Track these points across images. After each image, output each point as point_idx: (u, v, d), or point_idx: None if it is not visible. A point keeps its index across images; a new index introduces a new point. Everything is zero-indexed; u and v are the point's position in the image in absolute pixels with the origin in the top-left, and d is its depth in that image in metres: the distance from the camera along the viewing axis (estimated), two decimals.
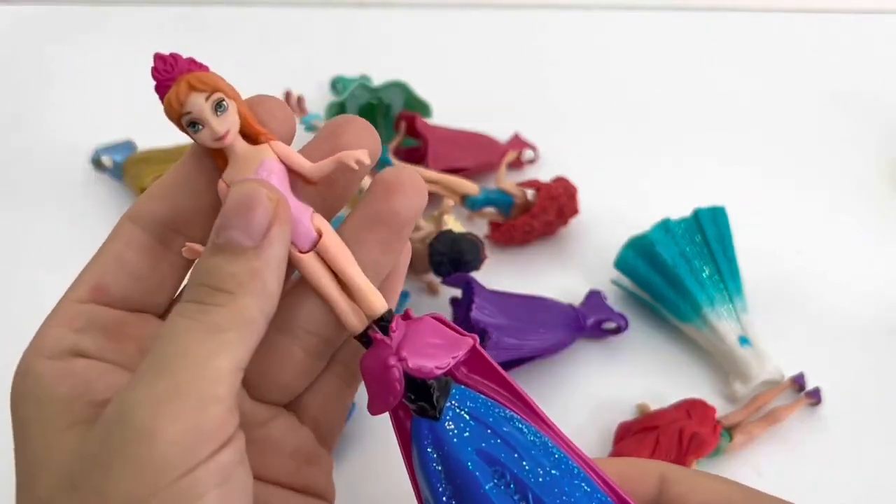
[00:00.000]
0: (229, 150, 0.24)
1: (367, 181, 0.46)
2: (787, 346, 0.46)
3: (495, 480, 0.23)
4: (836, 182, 0.57)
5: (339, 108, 0.57)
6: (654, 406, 0.43)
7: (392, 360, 0.24)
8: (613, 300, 0.49)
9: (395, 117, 0.57)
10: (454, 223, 0.48)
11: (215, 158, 0.25)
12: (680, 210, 0.49)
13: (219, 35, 0.70)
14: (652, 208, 0.50)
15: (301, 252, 0.25)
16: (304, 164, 0.25)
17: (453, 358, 0.24)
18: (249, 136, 0.25)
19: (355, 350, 0.28)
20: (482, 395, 0.25)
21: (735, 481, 0.26)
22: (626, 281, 0.49)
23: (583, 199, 0.52)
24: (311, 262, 0.25)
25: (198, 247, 0.25)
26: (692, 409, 0.42)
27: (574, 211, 0.51)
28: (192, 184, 0.25)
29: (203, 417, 0.21)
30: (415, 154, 0.55)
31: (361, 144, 0.25)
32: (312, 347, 0.27)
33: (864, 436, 0.43)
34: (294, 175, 0.25)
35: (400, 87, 0.59)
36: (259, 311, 0.22)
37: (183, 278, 0.27)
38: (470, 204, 0.51)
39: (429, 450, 0.24)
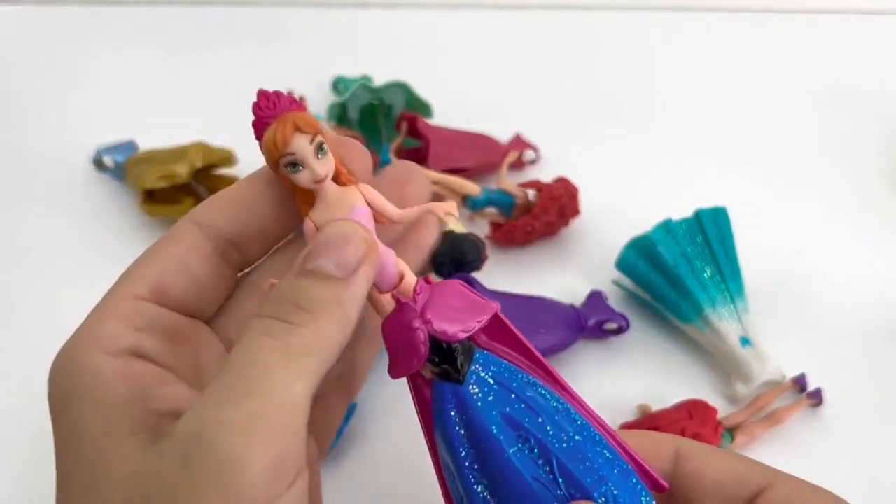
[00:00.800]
0: (319, 191, 0.25)
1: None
2: (788, 346, 0.46)
3: (519, 445, 0.23)
4: (836, 182, 0.57)
5: (340, 109, 0.57)
6: (655, 407, 0.43)
7: (417, 323, 0.23)
8: (614, 300, 0.49)
9: (397, 118, 0.57)
10: (455, 224, 0.48)
11: (295, 192, 0.25)
12: (681, 210, 0.49)
13: (219, 35, 0.70)
14: (653, 209, 0.50)
15: (380, 292, 0.25)
16: (390, 210, 0.26)
17: (478, 322, 0.24)
18: (334, 176, 0.25)
19: (358, 368, 0.28)
20: (504, 361, 0.24)
21: (751, 458, 0.26)
22: (627, 281, 0.49)
23: (584, 200, 0.52)
24: (387, 301, 0.25)
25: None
26: (693, 409, 0.42)
27: (575, 211, 0.51)
28: (262, 206, 0.25)
29: (286, 446, 0.21)
30: (416, 154, 0.55)
31: (423, 196, 0.26)
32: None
33: (865, 436, 0.43)
34: (377, 217, 0.26)
35: (401, 88, 0.59)
36: (337, 340, 0.23)
37: (229, 291, 0.27)
38: (471, 204, 0.51)
39: (452, 413, 0.23)
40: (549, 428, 0.23)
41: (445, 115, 0.59)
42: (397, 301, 0.24)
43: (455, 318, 0.24)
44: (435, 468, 0.25)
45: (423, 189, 0.27)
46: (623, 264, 0.48)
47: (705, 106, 0.63)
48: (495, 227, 0.52)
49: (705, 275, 0.46)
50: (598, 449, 0.23)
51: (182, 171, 0.52)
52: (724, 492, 0.24)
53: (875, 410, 0.44)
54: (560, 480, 0.22)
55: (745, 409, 0.43)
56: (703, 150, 0.59)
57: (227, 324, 0.27)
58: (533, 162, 0.58)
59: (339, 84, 0.64)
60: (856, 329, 0.48)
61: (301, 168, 0.24)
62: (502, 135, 0.58)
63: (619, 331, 0.47)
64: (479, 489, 0.23)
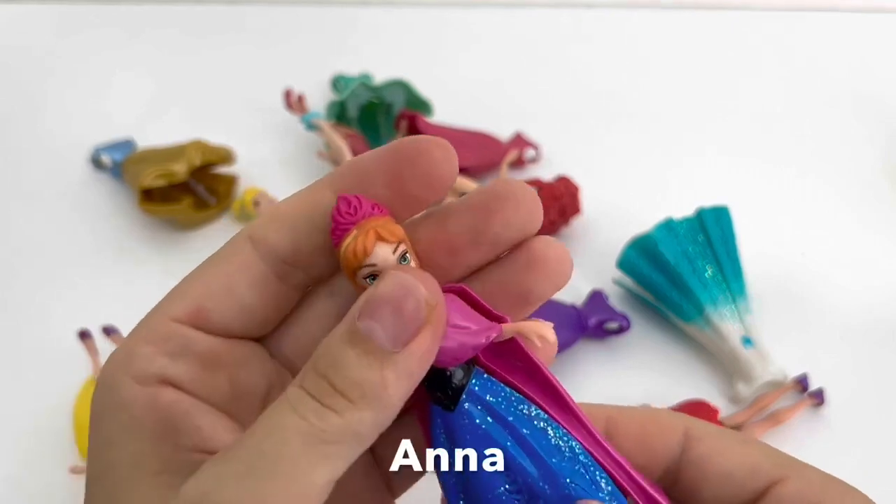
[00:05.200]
0: None
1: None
2: (790, 347, 0.46)
3: (507, 486, 0.21)
4: (840, 183, 0.57)
5: (339, 107, 0.57)
6: (656, 407, 0.43)
7: None
8: (616, 300, 0.48)
9: (396, 116, 0.57)
10: None
11: None
12: (683, 209, 0.48)
13: (220, 34, 0.70)
14: (655, 207, 0.50)
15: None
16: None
17: (474, 348, 0.22)
18: None
19: None
20: (506, 387, 0.23)
21: (765, 444, 0.24)
22: (628, 281, 0.49)
23: (585, 199, 0.52)
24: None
25: None
26: (695, 410, 0.41)
27: (576, 210, 0.51)
28: (318, 217, 0.23)
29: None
30: None
31: (515, 228, 0.23)
32: None
33: (867, 437, 0.43)
34: None
35: (401, 86, 0.59)
36: (373, 426, 0.21)
37: (288, 311, 0.25)
38: None
39: (441, 439, 0.22)
40: (541, 471, 0.21)
41: (445, 113, 0.59)
42: None
43: (452, 339, 0.22)
44: (438, 478, 0.23)
45: (517, 219, 0.22)
46: (624, 263, 0.48)
47: (707, 105, 0.63)
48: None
49: (707, 274, 0.46)
50: (601, 496, 0.22)
51: (180, 169, 0.51)
52: (733, 482, 0.23)
53: (877, 410, 0.44)
54: None
55: (746, 410, 0.43)
56: (704, 148, 0.59)
57: (283, 341, 0.25)
58: (533, 160, 0.58)
59: (338, 82, 0.63)
60: (858, 329, 0.47)
61: None
62: (503, 133, 0.58)
63: (620, 330, 0.47)
64: None
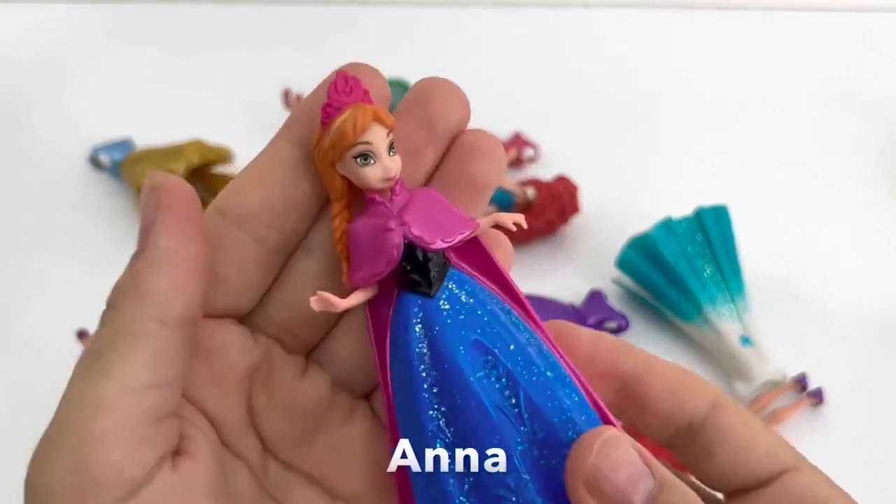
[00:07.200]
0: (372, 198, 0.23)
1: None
2: (789, 346, 0.46)
3: (486, 370, 0.21)
4: (838, 182, 0.57)
5: None
6: None
7: (392, 223, 0.22)
8: (615, 299, 0.48)
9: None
10: None
11: (340, 196, 0.23)
12: (682, 209, 0.48)
13: (218, 33, 0.70)
14: (654, 207, 0.50)
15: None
16: None
17: (460, 234, 0.22)
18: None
19: None
20: (479, 283, 0.23)
21: (782, 437, 0.24)
22: (627, 280, 0.49)
23: (584, 198, 0.52)
24: None
25: (329, 297, 0.22)
26: None
27: (575, 209, 0.51)
28: (281, 170, 0.23)
29: (84, 461, 0.19)
30: None
31: (454, 113, 0.24)
32: None
33: (866, 436, 0.43)
34: None
35: (400, 86, 0.59)
36: (138, 317, 0.20)
37: (271, 279, 0.24)
38: None
39: (416, 329, 0.22)
40: (520, 358, 0.21)
41: None
42: (370, 199, 0.22)
43: (435, 228, 0.22)
44: (383, 395, 0.23)
45: (451, 106, 0.23)
46: (623, 263, 0.48)
47: (706, 104, 0.63)
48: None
49: (706, 274, 0.46)
50: (566, 391, 0.21)
51: (179, 169, 0.51)
52: (750, 457, 0.23)
53: (876, 410, 0.44)
54: (525, 415, 0.21)
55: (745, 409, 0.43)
56: (704, 148, 0.59)
57: (271, 310, 0.24)
58: (532, 160, 0.58)
59: None
60: (857, 329, 0.47)
61: (372, 161, 0.22)
62: (501, 133, 0.58)
63: (619, 330, 0.47)
64: (434, 415, 0.21)
